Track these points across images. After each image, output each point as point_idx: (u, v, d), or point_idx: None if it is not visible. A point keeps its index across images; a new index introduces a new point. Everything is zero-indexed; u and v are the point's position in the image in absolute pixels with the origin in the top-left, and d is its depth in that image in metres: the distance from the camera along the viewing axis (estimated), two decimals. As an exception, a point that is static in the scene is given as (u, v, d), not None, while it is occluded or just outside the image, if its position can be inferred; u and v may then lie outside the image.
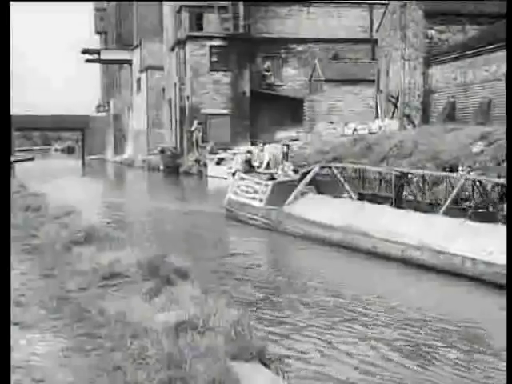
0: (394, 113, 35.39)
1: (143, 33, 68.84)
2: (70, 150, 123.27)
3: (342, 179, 19.89)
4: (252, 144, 45.47)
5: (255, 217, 20.89)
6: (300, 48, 50.10)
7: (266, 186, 21.11)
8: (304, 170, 21.66)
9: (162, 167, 51.41)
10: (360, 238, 16.36)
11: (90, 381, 6.15)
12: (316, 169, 20.48)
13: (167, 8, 57.34)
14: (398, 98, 35.02)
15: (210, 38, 49.35)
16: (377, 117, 37.12)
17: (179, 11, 51.07)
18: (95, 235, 12.63)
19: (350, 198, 19.20)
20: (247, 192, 21.70)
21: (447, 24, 33.36)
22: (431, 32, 33.47)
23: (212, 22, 49.53)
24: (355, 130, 33.96)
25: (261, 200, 20.94)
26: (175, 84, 53.24)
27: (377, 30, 40.52)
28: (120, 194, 36.88)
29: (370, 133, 32.42)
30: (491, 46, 28.38)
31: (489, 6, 33.24)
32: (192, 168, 46.59)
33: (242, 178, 22.56)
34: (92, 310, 8.21)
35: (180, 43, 51.33)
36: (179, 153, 51.11)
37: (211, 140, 47.70)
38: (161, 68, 60.60)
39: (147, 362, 6.48)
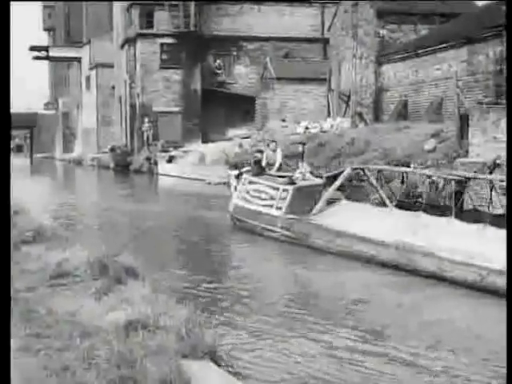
0: (345, 111, 35.44)
1: (93, 30, 68.20)
2: (17, 149, 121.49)
3: (375, 183, 16.98)
4: (202, 143, 45.26)
5: (272, 227, 17.63)
6: (251, 46, 49.99)
7: (286, 191, 17.77)
8: (329, 173, 18.58)
9: (112, 165, 50.88)
10: (421, 259, 13.58)
11: (38, 381, 6.00)
12: (347, 171, 17.17)
13: (117, 5, 56.82)
14: (349, 97, 35.07)
15: (161, 35, 49.04)
16: (329, 115, 37.13)
17: (129, 9, 50.65)
18: (44, 234, 12.51)
19: (384, 204, 16.27)
20: (260, 198, 18.52)
21: (399, 23, 33.50)
22: (383, 31, 33.57)
23: (162, 20, 49.22)
24: (307, 128, 33.90)
25: (279, 208, 17.69)
26: (125, 82, 52.81)
27: (328, 29, 40.56)
28: (69, 192, 36.31)
29: (322, 131, 32.40)
30: (443, 45, 28.52)
31: (440, 5, 33.48)
32: (143, 166, 46.22)
33: (252, 182, 19.08)
34: (40, 309, 8.04)
35: (130, 41, 50.93)
36: (130, 151, 50.70)
37: (162, 138, 47.39)
38: (111, 66, 60.03)
39: (97, 362, 6.37)
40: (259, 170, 19.31)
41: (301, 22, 49.48)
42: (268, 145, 20.58)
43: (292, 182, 18.06)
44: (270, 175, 19.05)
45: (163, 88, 49.24)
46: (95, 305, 8.31)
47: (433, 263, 13.31)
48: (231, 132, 40.08)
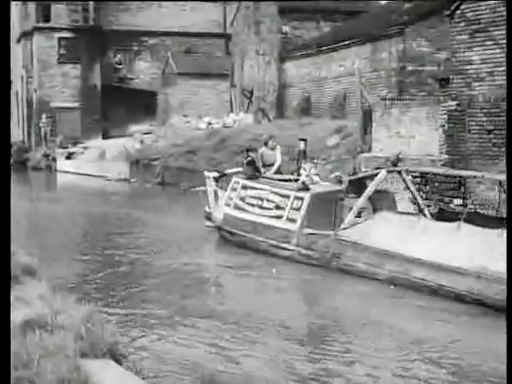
0: (248, 107, 35.29)
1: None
2: None
3: (412, 188, 14.21)
4: (103, 139, 44.34)
5: (283, 244, 14.41)
6: (152, 41, 49.32)
7: (299, 199, 14.50)
8: (353, 176, 15.46)
9: (8, 162, 49.30)
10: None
11: None
12: (382, 174, 13.80)
13: (13, -3, 55.18)
14: (252, 93, 34.93)
15: (59, 29, 47.81)
16: (231, 111, 36.93)
17: (25, 2, 49.23)
18: None
19: (421, 213, 13.75)
20: (261, 207, 15.30)
21: (302, 20, 33.52)
22: (285, 28, 33.51)
23: (60, 14, 48.00)
24: (209, 123, 33.57)
25: (292, 220, 14.46)
26: (22, 77, 51.38)
27: (231, 25, 40.32)
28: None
29: (225, 126, 32.13)
30: (345, 42, 28.65)
31: (343, 3, 33.64)
32: (40, 163, 45.00)
33: (248, 187, 15.87)
34: None
35: (27, 35, 49.55)
36: (27, 147, 49.31)
37: (60, 134, 46.23)
38: (7, 59, 58.20)
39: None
40: (254, 172, 16.25)
41: (203, 17, 49.05)
42: (265, 143, 17.18)
43: (306, 188, 14.74)
44: (270, 178, 15.99)
45: (61, 83, 48.08)
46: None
47: None
48: (132, 128, 39.30)
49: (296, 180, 15.52)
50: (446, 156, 17.74)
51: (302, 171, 15.68)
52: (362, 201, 13.58)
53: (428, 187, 15.51)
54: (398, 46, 25.58)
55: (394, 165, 17.47)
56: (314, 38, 32.59)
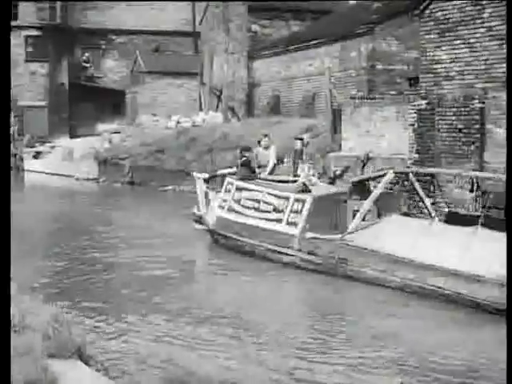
0: (218, 105, 35.18)
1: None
2: None
3: (420, 191, 13.62)
4: (70, 138, 43.96)
5: (283, 249, 13.78)
6: (121, 39, 49.00)
7: (300, 201, 13.82)
8: (357, 178, 14.91)
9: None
10: None
11: None
12: (389, 175, 13.28)
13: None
14: (221, 91, 34.83)
15: (25, 27, 47.32)
16: (201, 109, 36.79)
17: (-8, -2, 48.68)
18: None
19: (431, 217, 13.08)
20: (258, 209, 14.60)
21: (271, 19, 33.46)
22: (255, 26, 33.44)
23: (28, 12, 47.54)
24: (178, 122, 33.40)
25: (292, 223, 13.77)
26: (-12, 74, 50.80)
27: (200, 23, 40.18)
28: None
29: (194, 125, 31.99)
30: (315, 42, 28.62)
31: (312, 2, 33.63)
32: (7, 162, 44.47)
33: (243, 188, 15.19)
34: None
35: (-7, 32, 48.97)
36: (-7, 146, 48.73)
37: (28, 133, 45.76)
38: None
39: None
40: (249, 172, 15.56)
41: (171, 15, 48.80)
42: (259, 142, 16.48)
43: (306, 190, 14.06)
44: (266, 179, 15.40)
45: (28, 82, 47.60)
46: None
47: None
48: (100, 127, 38.95)
49: (293, 181, 14.88)
50: (416, 155, 17.77)
51: (300, 172, 14.99)
52: (368, 203, 12.93)
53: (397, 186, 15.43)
54: (368, 45, 25.63)
55: (364, 164, 17.52)
56: (283, 36, 32.55)
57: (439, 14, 17.67)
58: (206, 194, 16.36)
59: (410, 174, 13.67)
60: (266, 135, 16.79)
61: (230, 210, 15.23)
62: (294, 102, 29.53)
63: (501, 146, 15.79)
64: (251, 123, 27.99)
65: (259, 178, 15.43)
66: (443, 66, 17.49)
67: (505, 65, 15.76)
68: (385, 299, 11.43)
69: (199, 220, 16.37)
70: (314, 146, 22.18)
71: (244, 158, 15.76)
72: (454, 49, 17.23)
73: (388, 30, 25.54)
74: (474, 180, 13.10)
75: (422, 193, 13.47)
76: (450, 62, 17.27)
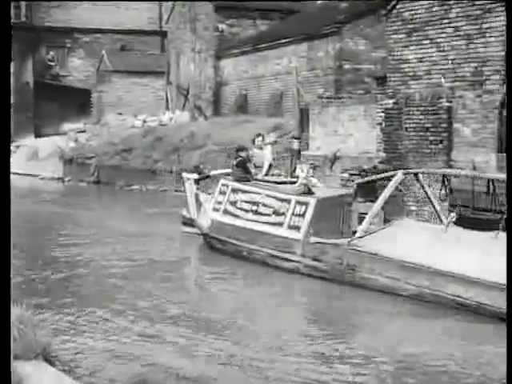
0: (184, 105, 35.04)
1: None
2: None
3: (429, 192, 12.70)
4: (35, 137, 43.52)
5: (285, 254, 12.98)
6: (86, 38, 48.56)
7: (302, 204, 13.03)
8: (362, 179, 14.00)
9: None
10: None
11: None
12: (399, 176, 12.29)
13: None
14: (188, 90, 34.69)
15: (-10, 25, 46.73)
16: (167, 108, 36.60)
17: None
18: None
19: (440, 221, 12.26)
20: (256, 212, 13.79)
21: (238, 18, 33.34)
22: (222, 26, 33.31)
23: (-8, 9, 46.96)
24: (145, 121, 33.20)
25: (295, 227, 12.97)
26: (-49, 72, 50.15)
27: (166, 22, 39.98)
28: None
29: (161, 124, 31.82)
30: (282, 41, 28.56)
31: (280, 2, 33.58)
32: (-30, 161, 43.92)
33: (239, 190, 14.36)
34: None
35: (-43, 29, 48.36)
36: (-44, 145, 48.13)
37: (-8, 132, 45.20)
38: None
39: None
40: (244, 173, 14.73)
41: (138, 14, 48.49)
42: (253, 141, 15.81)
43: (309, 192, 13.29)
44: (264, 180, 14.59)
45: (-8, 80, 47.00)
46: None
47: None
48: (66, 126, 38.60)
49: (292, 182, 14.19)
50: (384, 154, 17.81)
51: (299, 173, 14.20)
52: (377, 206, 12.11)
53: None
54: (335, 45, 25.63)
55: (332, 163, 17.52)
56: (250, 36, 32.47)
57: (406, 13, 17.73)
58: (197, 196, 15.51)
59: (420, 174, 12.71)
60: (259, 135, 16.10)
61: (226, 212, 14.42)
62: (262, 101, 29.47)
63: (468, 144, 15.88)
64: (218, 122, 27.93)
65: (255, 179, 14.68)
66: (410, 65, 17.55)
67: (472, 64, 15.84)
68: (399, 310, 10.70)
69: (189, 223, 15.66)
70: (282, 145, 22.16)
71: (239, 159, 14.92)
72: (421, 48, 17.29)
73: (355, 29, 25.58)
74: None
75: (431, 194, 12.62)
76: (418, 62, 17.33)
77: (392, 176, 12.54)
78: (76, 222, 19.65)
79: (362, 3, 26.13)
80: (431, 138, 16.55)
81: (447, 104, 16.32)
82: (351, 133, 19.46)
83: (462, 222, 11.40)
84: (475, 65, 15.83)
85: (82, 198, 26.67)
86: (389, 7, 18.35)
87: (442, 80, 16.14)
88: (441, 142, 16.37)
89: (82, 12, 48.27)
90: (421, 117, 16.92)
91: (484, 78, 15.63)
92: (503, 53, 15.09)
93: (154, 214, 20.67)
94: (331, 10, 27.87)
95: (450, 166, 15.80)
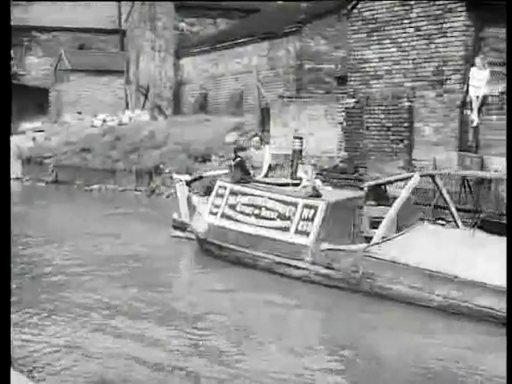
0: (144, 104, 34.82)
1: None
2: None
3: (447, 196, 11.98)
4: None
5: (293, 261, 12.07)
6: (44, 36, 48.05)
7: (311, 207, 12.15)
8: (373, 182, 12.89)
9: None
10: None
11: None
12: (415, 178, 11.45)
13: None
14: (148, 89, 34.48)
15: None
16: (127, 108, 36.33)
17: None
18: None
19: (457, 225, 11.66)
20: (260, 217, 12.87)
21: (198, 17, 33.19)
22: (182, 24, 33.15)
23: None
24: (104, 121, 32.86)
25: (303, 232, 12.07)
26: None
27: (126, 21, 39.70)
28: None
29: (120, 124, 31.52)
30: (242, 40, 28.47)
31: (240, 2, 33.48)
32: None
33: (239, 193, 13.44)
34: None
35: None
36: None
37: None
38: None
39: None
40: (244, 175, 13.86)
41: (97, 12, 48.07)
42: (249, 139, 15.09)
43: (317, 195, 12.39)
44: (264, 182, 13.70)
45: None
46: None
47: None
48: (24, 125, 38.07)
49: (295, 184, 13.38)
50: (345, 153, 17.84)
51: (302, 174, 13.68)
52: (394, 210, 11.22)
53: None
54: (296, 44, 25.60)
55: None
56: (211, 34, 32.34)
57: (367, 13, 17.79)
58: (188, 199, 14.77)
59: (437, 176, 11.94)
60: (255, 135, 15.48)
61: (224, 216, 13.45)
62: (222, 100, 29.35)
63: (429, 143, 15.96)
64: (178, 121, 27.74)
65: (256, 181, 13.81)
66: (371, 65, 17.61)
67: (433, 64, 15.94)
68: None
69: (180, 226, 14.98)
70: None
71: (238, 159, 13.97)
72: (382, 48, 17.36)
73: (316, 29, 25.56)
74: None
75: (448, 197, 11.91)
76: (378, 61, 17.40)
77: (407, 178, 11.96)
78: (27, 220, 19.32)
79: (322, 3, 26.14)
80: (392, 137, 16.62)
81: (408, 103, 16.40)
82: (312, 132, 19.44)
83: (486, 226, 10.76)
84: (436, 64, 15.93)
85: (38, 197, 26.28)
86: (349, 7, 18.39)
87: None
88: (402, 141, 16.44)
89: (40, 10, 47.74)
90: (382, 116, 16.98)
91: (445, 77, 15.74)
92: (463, 52, 15.21)
93: (115, 214, 20.47)
94: (292, 10, 27.86)
95: (412, 165, 15.88)
